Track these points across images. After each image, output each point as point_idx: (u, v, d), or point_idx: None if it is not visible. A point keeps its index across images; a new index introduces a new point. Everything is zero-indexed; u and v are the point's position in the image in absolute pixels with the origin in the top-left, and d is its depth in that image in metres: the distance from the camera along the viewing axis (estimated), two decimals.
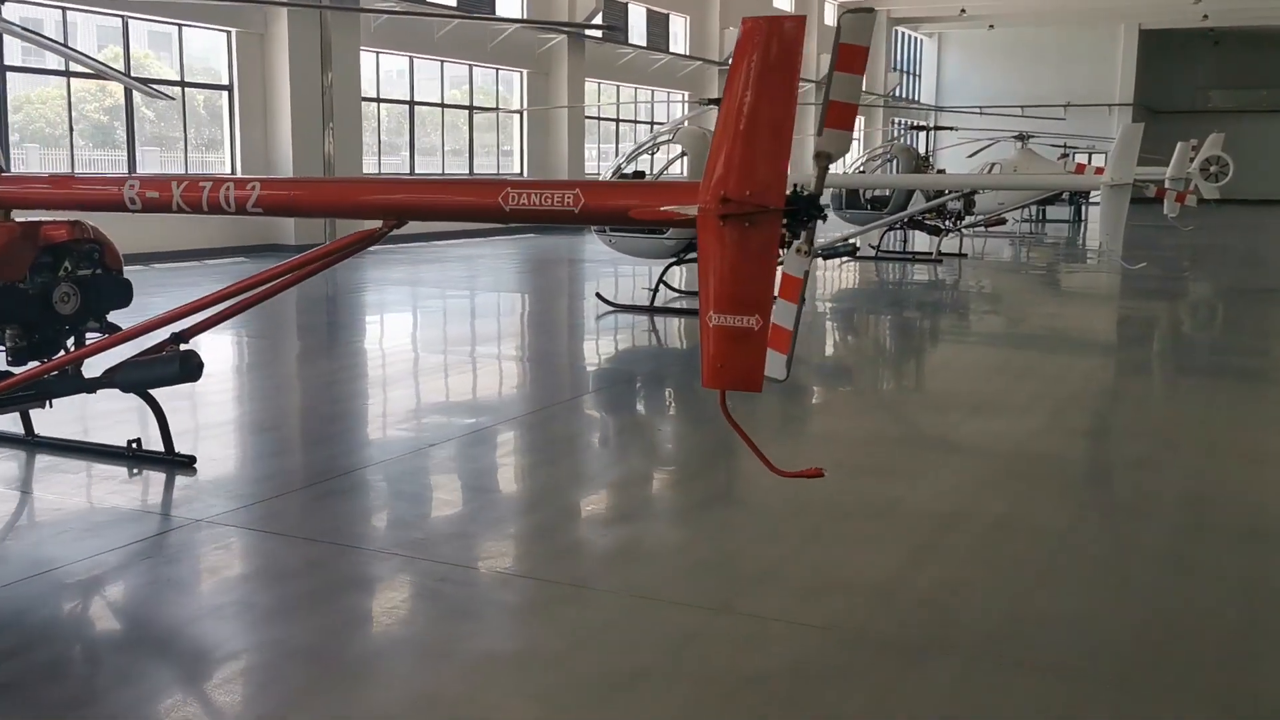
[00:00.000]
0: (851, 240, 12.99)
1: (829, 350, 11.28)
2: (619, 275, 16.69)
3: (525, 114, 27.17)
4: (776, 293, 4.12)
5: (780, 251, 3.93)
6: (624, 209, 4.12)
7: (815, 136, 3.97)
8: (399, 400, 8.24)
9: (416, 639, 3.97)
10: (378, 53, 22.62)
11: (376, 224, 4.46)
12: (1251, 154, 48.14)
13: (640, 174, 13.64)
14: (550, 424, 7.30)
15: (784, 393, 8.63)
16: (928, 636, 4.00)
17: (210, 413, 7.44)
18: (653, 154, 13.57)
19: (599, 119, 31.05)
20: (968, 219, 20.62)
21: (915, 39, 55.43)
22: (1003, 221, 21.16)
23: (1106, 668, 3.77)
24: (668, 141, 13.34)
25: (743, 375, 3.71)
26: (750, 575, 4.61)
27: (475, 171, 25.84)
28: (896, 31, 52.20)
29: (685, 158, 19.82)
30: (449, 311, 13.58)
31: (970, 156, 31.98)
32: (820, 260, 13.47)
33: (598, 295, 13.47)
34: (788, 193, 3.83)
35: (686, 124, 14.34)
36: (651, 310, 12.84)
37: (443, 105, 24.78)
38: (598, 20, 27.87)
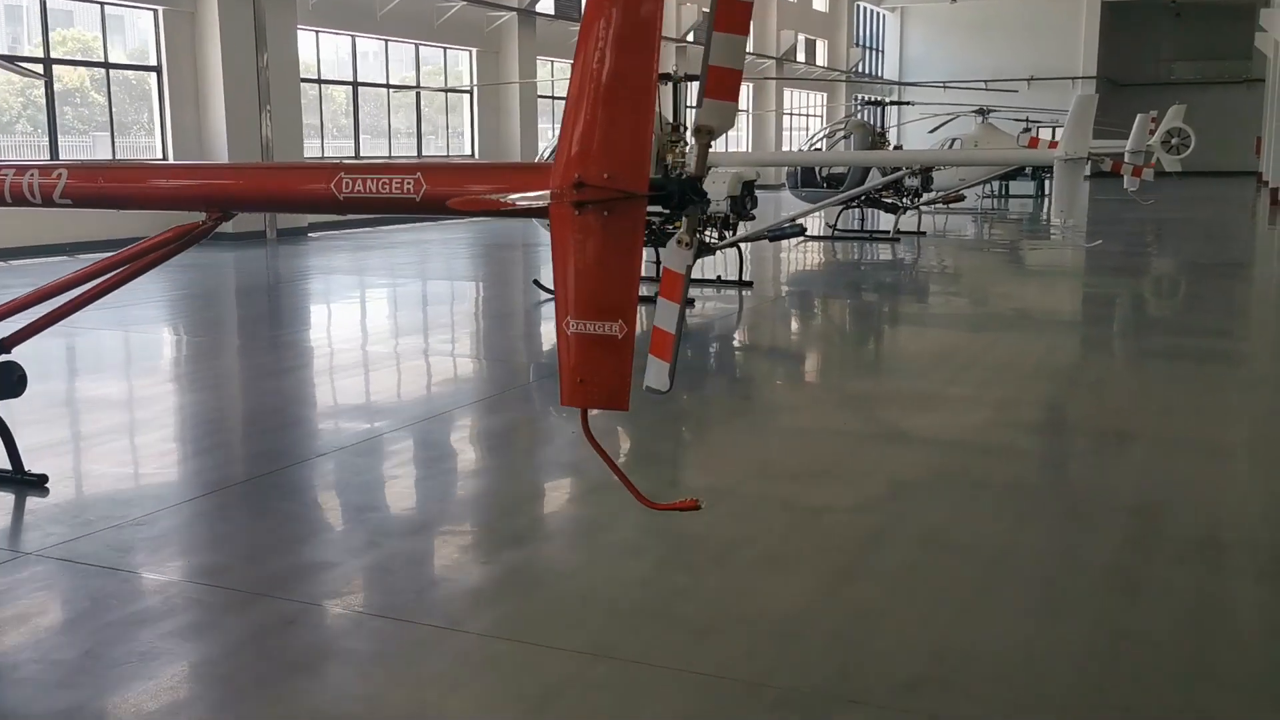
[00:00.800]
0: (799, 220, 12.45)
1: (772, 337, 10.75)
2: None
3: (475, 93, 26.43)
4: (657, 292, 3.57)
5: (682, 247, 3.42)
6: (469, 195, 3.52)
7: (694, 108, 3.41)
8: (297, 402, 7.64)
9: (234, 703, 3.40)
10: (317, 31, 21.81)
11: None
12: (1214, 126, 47.99)
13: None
14: (454, 429, 6.73)
15: (719, 384, 8.10)
16: (833, 687, 3.47)
17: (89, 420, 6.81)
18: None
19: (553, 98, 30.31)
20: (925, 196, 20.13)
21: (878, 14, 54.87)
22: (961, 198, 20.68)
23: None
24: None
25: (606, 392, 3.15)
26: (641, 609, 4.06)
27: (425, 154, 25.11)
28: (858, 7, 51.62)
29: (852, 139, 19.43)
30: (375, 303, 12.94)
31: (931, 132, 31.56)
32: (768, 242, 12.93)
33: (535, 283, 12.88)
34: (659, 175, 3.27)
35: None
36: None
37: (388, 86, 24.01)
38: None
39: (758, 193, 12.82)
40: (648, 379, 3.50)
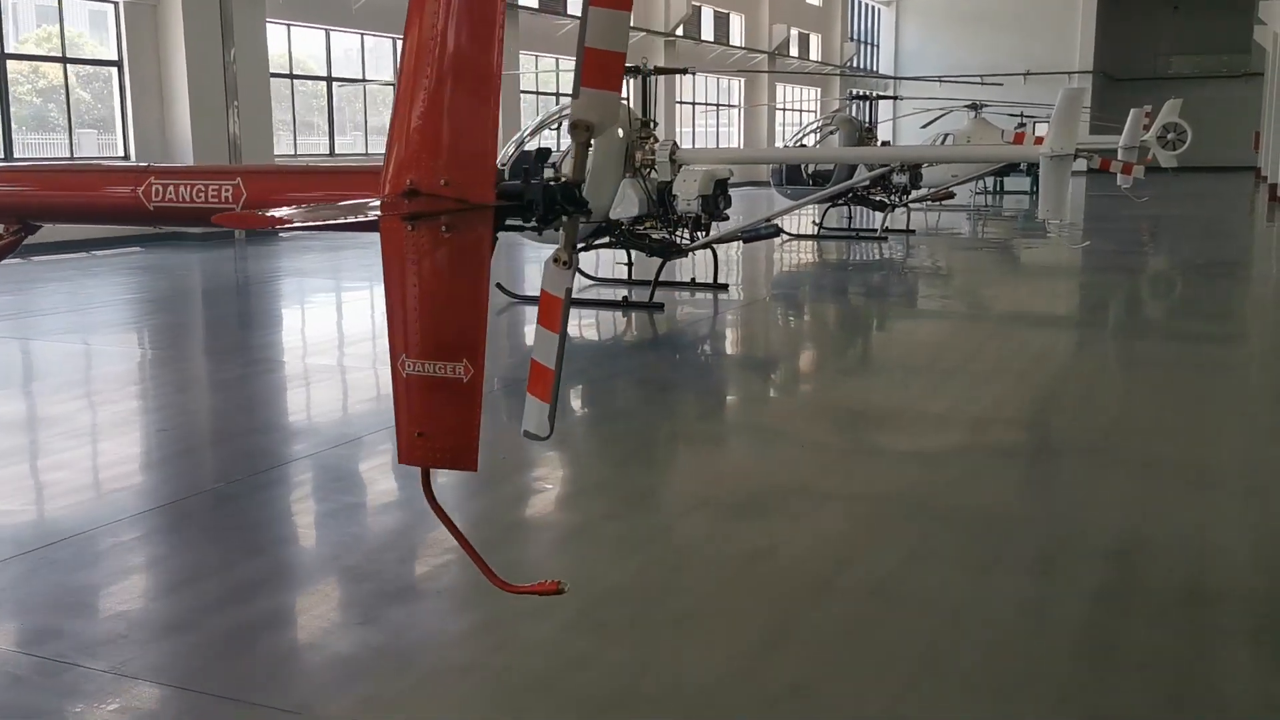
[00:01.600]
0: (774, 220, 11.87)
1: (741, 344, 10.18)
2: (540, 261, 15.45)
3: None
4: (540, 321, 3.01)
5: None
6: (292, 205, 2.94)
7: (571, 99, 2.85)
8: (202, 427, 7.05)
9: None
10: (288, 25, 21.22)
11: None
12: (1212, 121, 47.40)
13: (546, 152, 12.42)
14: (371, 455, 6.14)
15: (676, 398, 7.53)
16: None
17: None
18: (556, 130, 12.37)
19: (537, 93, 29.73)
20: (914, 193, 19.55)
21: (873, 8, 54.27)
22: (951, 195, 20.09)
23: None
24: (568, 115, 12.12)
25: (450, 447, 2.58)
26: (532, 683, 3.49)
27: None
28: (853, 0, 51.01)
29: (839, 134, 18.86)
30: (328, 309, 12.35)
31: (923, 127, 30.96)
32: (742, 244, 12.36)
33: (498, 286, 12.28)
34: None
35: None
36: None
37: (364, 81, 23.41)
38: None
39: (742, 190, 12.31)
40: (525, 422, 2.94)
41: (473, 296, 2.54)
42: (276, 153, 20.97)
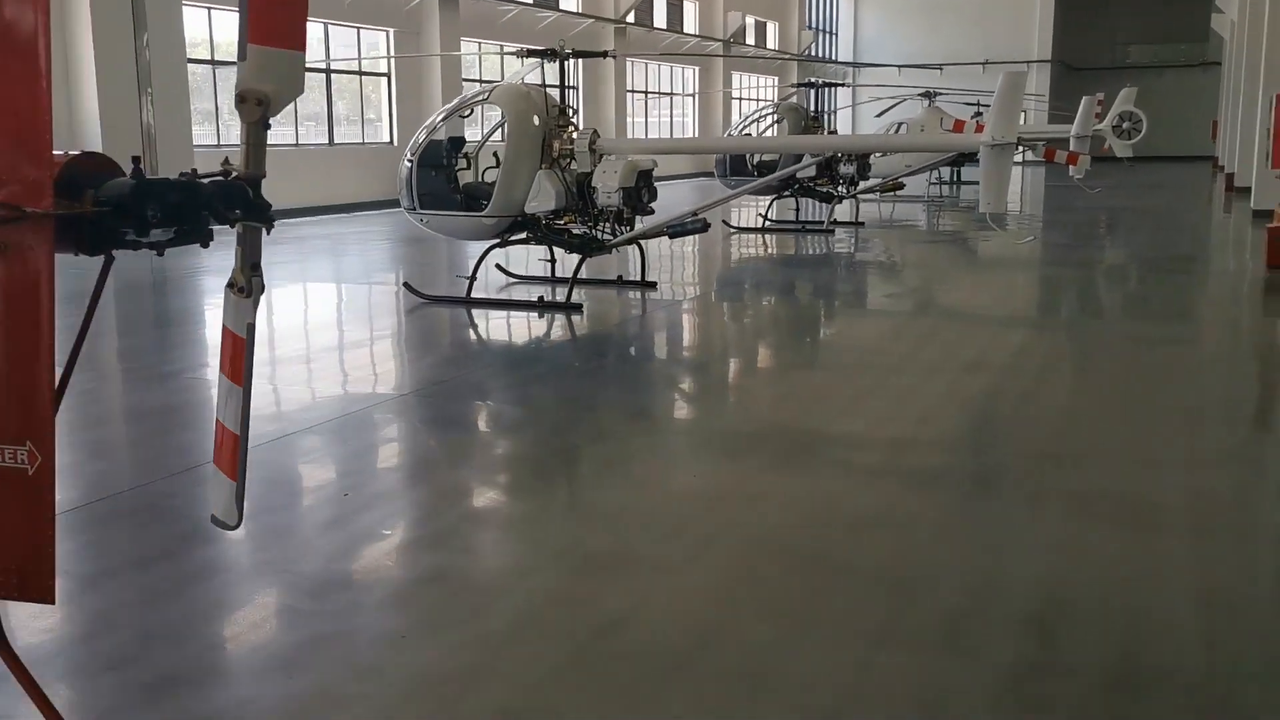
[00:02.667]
0: (701, 214, 11.09)
1: (661, 351, 9.40)
2: (468, 259, 14.60)
3: (393, 75, 24.88)
4: (221, 369, 2.21)
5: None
6: None
7: (238, 64, 2.05)
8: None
9: None
10: (209, 8, 20.19)
11: None
12: (1171, 110, 47.20)
13: (459, 141, 11.64)
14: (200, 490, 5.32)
15: (564, 419, 6.73)
16: None
17: None
18: (464, 117, 11.52)
19: (480, 81, 28.77)
20: (862, 184, 18.85)
21: None
22: (900, 186, 19.42)
23: None
24: (483, 102, 11.31)
25: (14, 567, 1.77)
26: None
27: (335, 143, 23.53)
28: None
29: (784, 124, 17.99)
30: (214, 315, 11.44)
31: (878, 116, 30.36)
32: (668, 240, 11.58)
33: (406, 286, 11.45)
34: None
35: (524, 80, 12.28)
36: (469, 302, 10.86)
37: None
38: None
39: (695, 182, 11.50)
40: (213, 505, 2.14)
41: (30, 349, 1.74)
42: (198, 144, 19.98)
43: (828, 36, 53.71)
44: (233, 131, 21.25)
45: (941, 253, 16.43)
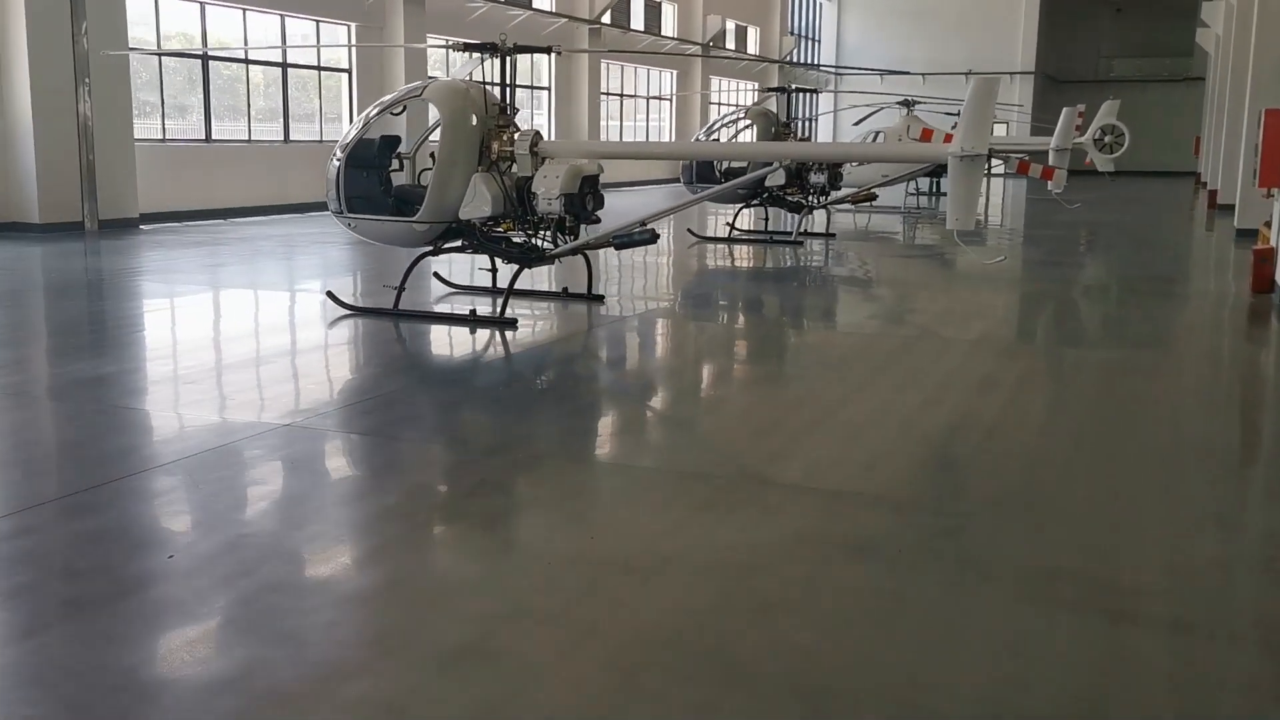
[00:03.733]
0: (649, 225, 10.30)
1: (581, 378, 8.60)
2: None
3: (355, 70, 24.01)
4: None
5: None
6: None
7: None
8: None
9: None
10: (200, 1, 19.28)
11: None
12: (1155, 124, 46.77)
13: (394, 140, 10.83)
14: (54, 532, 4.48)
15: (464, 460, 5.93)
16: None
17: None
18: (395, 114, 10.70)
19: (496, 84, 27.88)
20: (833, 194, 18.12)
21: (814, 2, 53.00)
22: (872, 196, 18.70)
23: None
24: (415, 98, 10.49)
25: None
26: None
27: (292, 139, 22.64)
28: None
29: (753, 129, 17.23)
30: (133, 320, 10.59)
31: (855, 124, 29.64)
32: (615, 251, 10.78)
33: (329, 295, 10.62)
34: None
35: (470, 77, 11.45)
36: (395, 315, 10.04)
37: (247, 61, 21.50)
38: None
39: (670, 188, 10.69)
40: None
41: None
42: (142, 137, 19.08)
43: (810, 43, 53.10)
44: (179, 126, 20.38)
45: (912, 269, 15.69)
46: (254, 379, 7.81)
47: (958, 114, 29.89)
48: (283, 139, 22.40)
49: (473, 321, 9.87)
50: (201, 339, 9.45)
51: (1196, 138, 41.32)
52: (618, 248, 10.34)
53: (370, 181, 10.44)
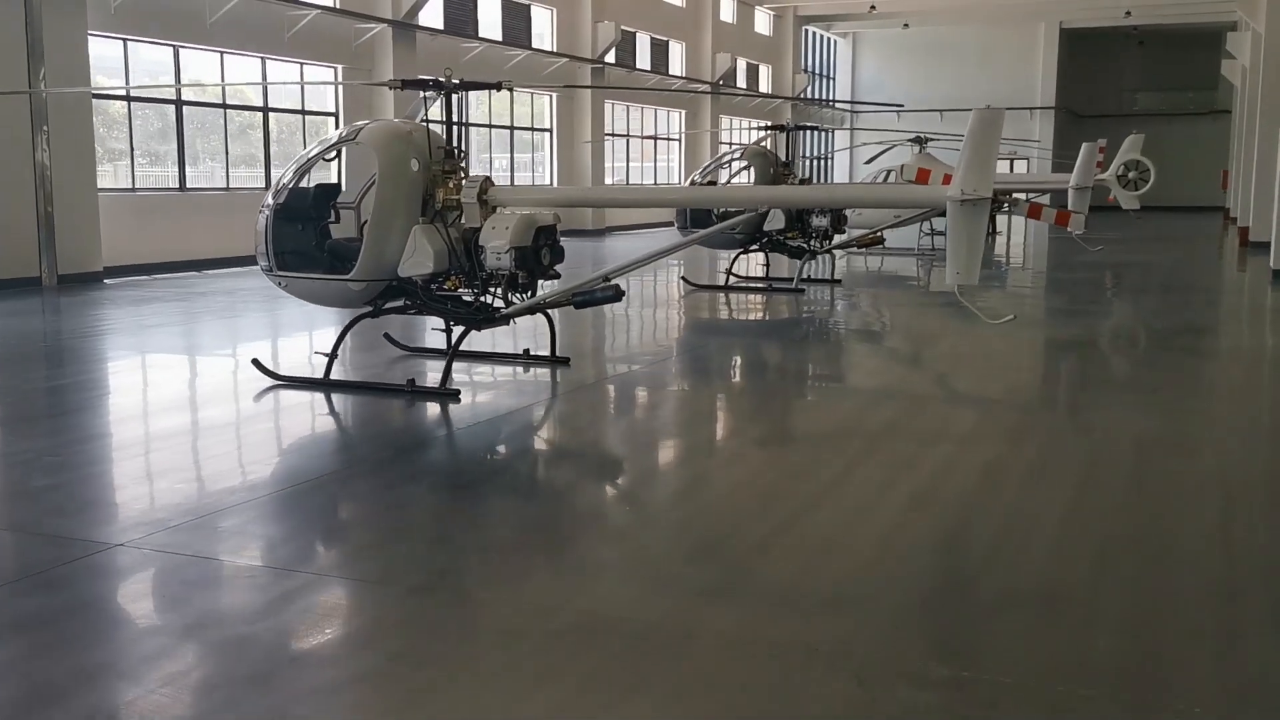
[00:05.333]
0: (613, 280, 9.15)
1: (528, 467, 7.41)
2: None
3: (341, 115, 23.13)
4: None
5: None
6: None
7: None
8: None
9: None
10: (124, 40, 18.43)
11: None
12: (1181, 159, 45.44)
13: (332, 189, 9.77)
14: None
15: (426, 560, 4.74)
16: None
17: None
18: (332, 161, 9.62)
19: (443, 123, 26.96)
20: (837, 238, 16.94)
21: (828, 39, 52.17)
22: (879, 240, 17.53)
23: None
24: (349, 143, 9.41)
25: None
26: None
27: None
28: (806, 31, 48.85)
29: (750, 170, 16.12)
30: (28, 394, 9.47)
31: (867, 163, 28.55)
32: (574, 309, 9.60)
33: (254, 363, 9.50)
34: None
35: (418, 118, 10.35)
36: (326, 385, 8.91)
37: (224, 106, 20.63)
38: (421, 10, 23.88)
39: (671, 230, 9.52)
40: None
41: None
42: (109, 186, 18.19)
43: (825, 80, 52.20)
44: (152, 173, 19.50)
45: (922, 319, 14.45)
46: (118, 475, 6.65)
47: None
48: (264, 186, 21.46)
49: (411, 393, 8.71)
50: (89, 419, 8.31)
51: (1224, 171, 39.95)
52: (577, 306, 9.18)
53: (304, 235, 9.37)
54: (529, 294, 9.16)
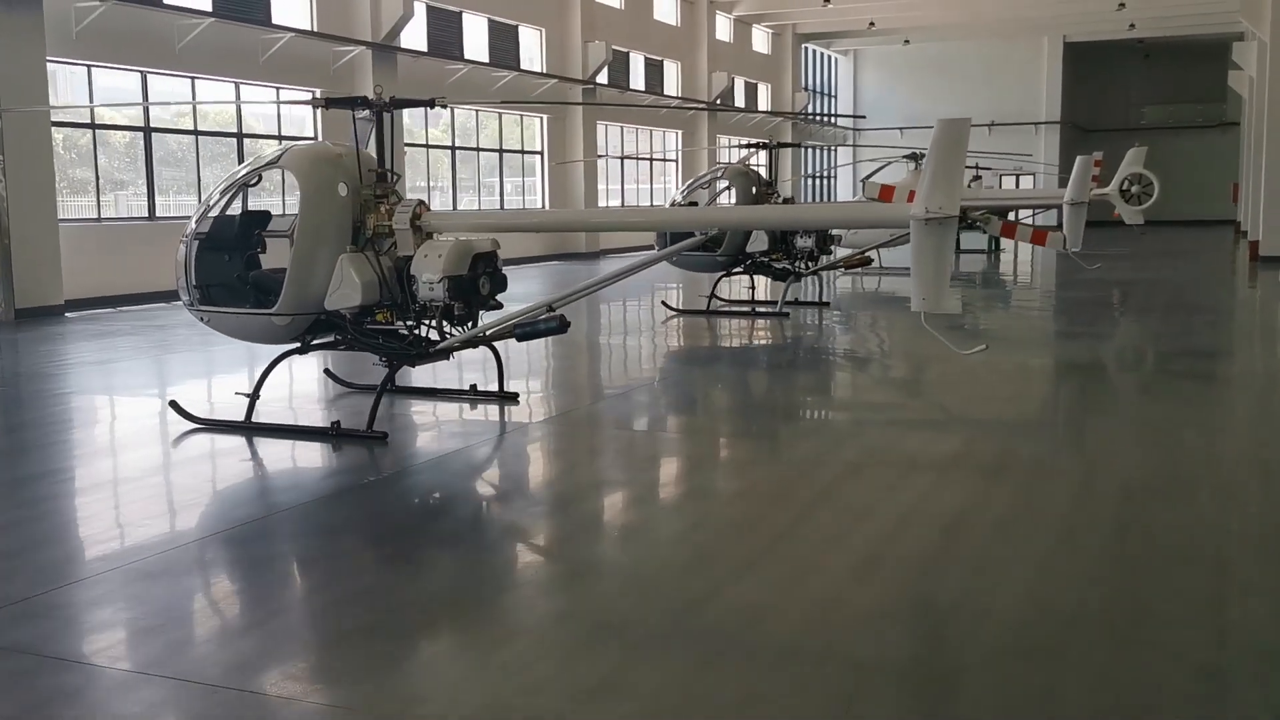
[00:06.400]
0: (558, 309, 8.45)
1: (451, 523, 6.69)
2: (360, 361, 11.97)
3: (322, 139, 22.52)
4: None
5: None
6: None
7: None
8: None
9: None
10: (89, 66, 17.91)
11: None
12: (1189, 172, 44.65)
13: (261, 216, 9.12)
14: None
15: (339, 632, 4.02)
16: None
17: None
18: (240, 191, 8.93)
19: (425, 146, 26.46)
20: (823, 260, 16.22)
21: (829, 57, 51.61)
22: (867, 261, 16.79)
23: None
24: (271, 166, 8.76)
25: None
26: None
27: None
28: (806, 49, 48.31)
29: (731, 190, 15.47)
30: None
31: (864, 180, 27.85)
32: (516, 342, 8.87)
33: (173, 405, 8.82)
34: None
35: (369, 141, 9.70)
36: (247, 428, 8.22)
37: (196, 133, 20.07)
38: (402, 32, 23.34)
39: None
40: None
41: None
42: (73, 216, 17.63)
43: (827, 99, 51.60)
44: (121, 204, 18.95)
45: (912, 344, 13.69)
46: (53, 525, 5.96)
47: (975, 166, 27.89)
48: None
49: (335, 436, 8.01)
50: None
51: (1234, 184, 39.10)
52: (520, 339, 8.47)
53: (228, 267, 8.71)
54: (469, 325, 8.48)
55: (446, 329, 8.44)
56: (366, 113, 8.64)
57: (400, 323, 8.41)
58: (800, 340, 13.65)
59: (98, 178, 18.31)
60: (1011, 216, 19.58)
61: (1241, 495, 6.51)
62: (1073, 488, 6.63)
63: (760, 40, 43.74)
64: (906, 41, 48.13)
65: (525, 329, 8.40)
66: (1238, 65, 32.69)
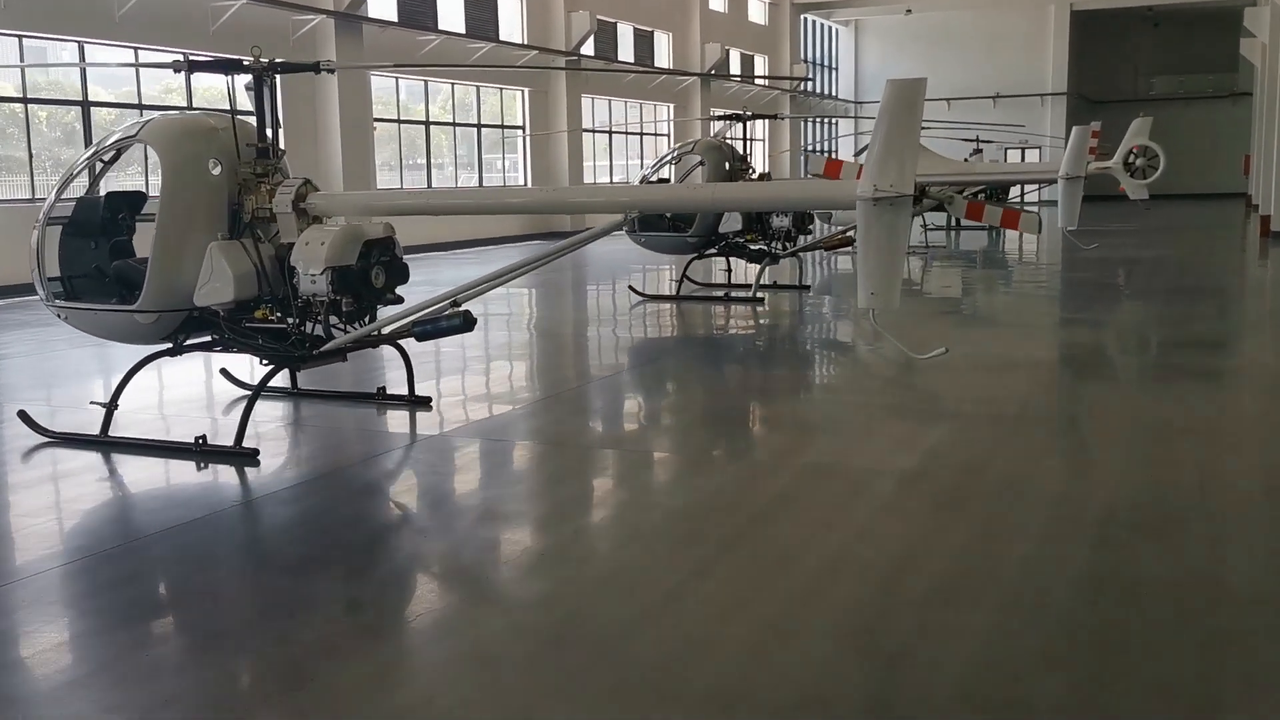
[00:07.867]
0: (462, 305, 7.34)
1: (391, 535, 5.60)
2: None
3: (280, 116, 21.38)
4: None
5: None
6: None
7: None
8: None
9: None
10: (19, 36, 16.79)
11: None
12: (1199, 144, 43.31)
13: (137, 197, 8.03)
14: None
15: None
16: None
17: None
18: (97, 167, 7.85)
19: (397, 121, 25.29)
20: (801, 240, 15.07)
21: (829, 28, 50.19)
22: (848, 241, 15.67)
23: None
24: (129, 140, 7.63)
25: None
26: None
27: None
28: (805, 19, 46.90)
29: (703, 167, 14.36)
30: None
31: (856, 154, 26.65)
32: (416, 342, 7.76)
33: (21, 415, 7.73)
34: None
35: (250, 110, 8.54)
36: (104, 442, 7.15)
37: (140, 106, 18.93)
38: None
39: None
40: None
41: None
42: (7, 197, 16.56)
43: (827, 71, 50.21)
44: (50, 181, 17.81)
45: (885, 341, 12.54)
46: None
47: (976, 139, 26.43)
48: None
49: (199, 453, 6.93)
50: None
51: (1246, 156, 37.74)
52: (420, 338, 7.34)
53: (89, 256, 7.64)
54: (363, 321, 7.39)
55: (337, 326, 7.35)
56: (233, 75, 7.51)
57: (282, 320, 7.31)
58: (775, 329, 12.52)
59: (31, 156, 17.22)
60: (1015, 193, 18.48)
61: (1247, 535, 5.38)
62: (1041, 521, 5.50)
63: (756, 10, 42.37)
64: (909, 11, 46.70)
65: (425, 327, 7.27)
66: (1250, 32, 31.29)
